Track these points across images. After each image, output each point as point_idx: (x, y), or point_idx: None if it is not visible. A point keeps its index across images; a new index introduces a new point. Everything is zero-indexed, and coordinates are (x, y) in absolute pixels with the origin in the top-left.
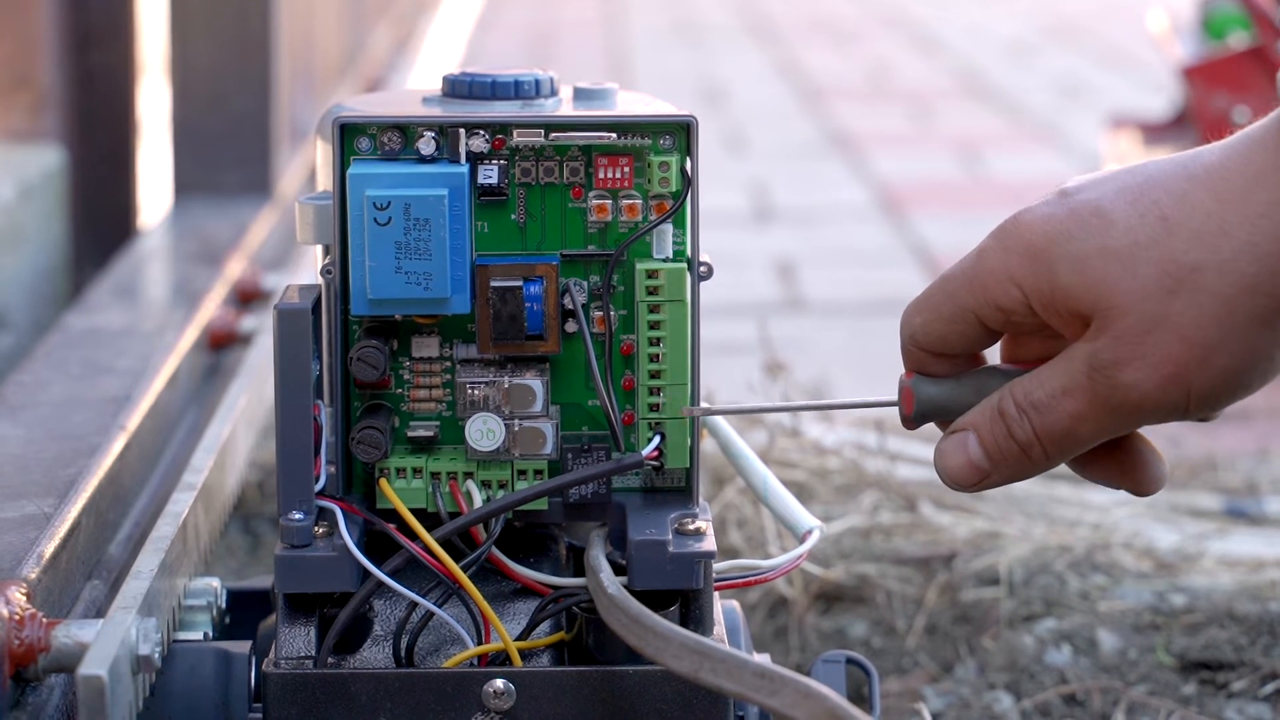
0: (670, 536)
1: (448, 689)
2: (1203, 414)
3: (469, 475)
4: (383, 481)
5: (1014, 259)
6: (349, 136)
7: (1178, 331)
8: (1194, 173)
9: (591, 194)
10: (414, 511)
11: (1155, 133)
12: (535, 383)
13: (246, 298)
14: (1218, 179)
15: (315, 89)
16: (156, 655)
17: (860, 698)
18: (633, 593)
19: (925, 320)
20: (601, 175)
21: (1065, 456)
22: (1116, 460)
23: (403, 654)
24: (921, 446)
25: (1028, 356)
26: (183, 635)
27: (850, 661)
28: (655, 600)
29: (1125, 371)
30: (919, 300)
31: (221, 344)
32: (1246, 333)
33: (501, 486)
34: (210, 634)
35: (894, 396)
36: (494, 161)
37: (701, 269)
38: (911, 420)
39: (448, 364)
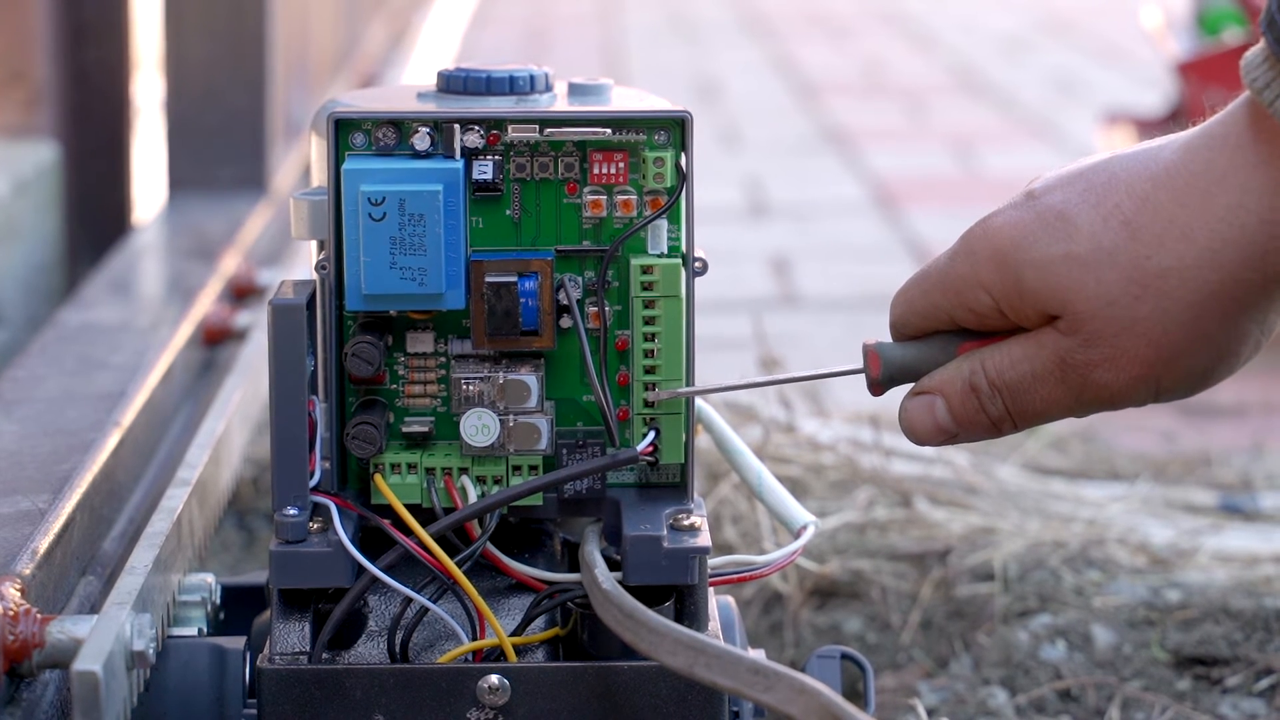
0: (665, 532)
1: (442, 685)
2: (1171, 400)
3: (464, 471)
4: (377, 477)
5: (982, 265)
6: (344, 132)
7: (1145, 336)
8: (1155, 173)
9: (586, 189)
10: (409, 507)
11: (1150, 128)
12: (530, 378)
13: (241, 293)
14: (1179, 180)
15: (310, 84)
16: (151, 651)
17: (855, 693)
18: (627, 588)
19: (903, 313)
20: (596, 171)
21: (1040, 425)
22: None
23: (397, 650)
24: None
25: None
26: (177, 631)
27: (845, 657)
28: (650, 596)
29: (1095, 372)
30: (901, 290)
31: (216, 339)
32: (1212, 334)
33: (496, 482)
34: (205, 629)
35: (859, 365)
36: (489, 157)
37: (696, 264)
38: (879, 385)
39: (442, 359)
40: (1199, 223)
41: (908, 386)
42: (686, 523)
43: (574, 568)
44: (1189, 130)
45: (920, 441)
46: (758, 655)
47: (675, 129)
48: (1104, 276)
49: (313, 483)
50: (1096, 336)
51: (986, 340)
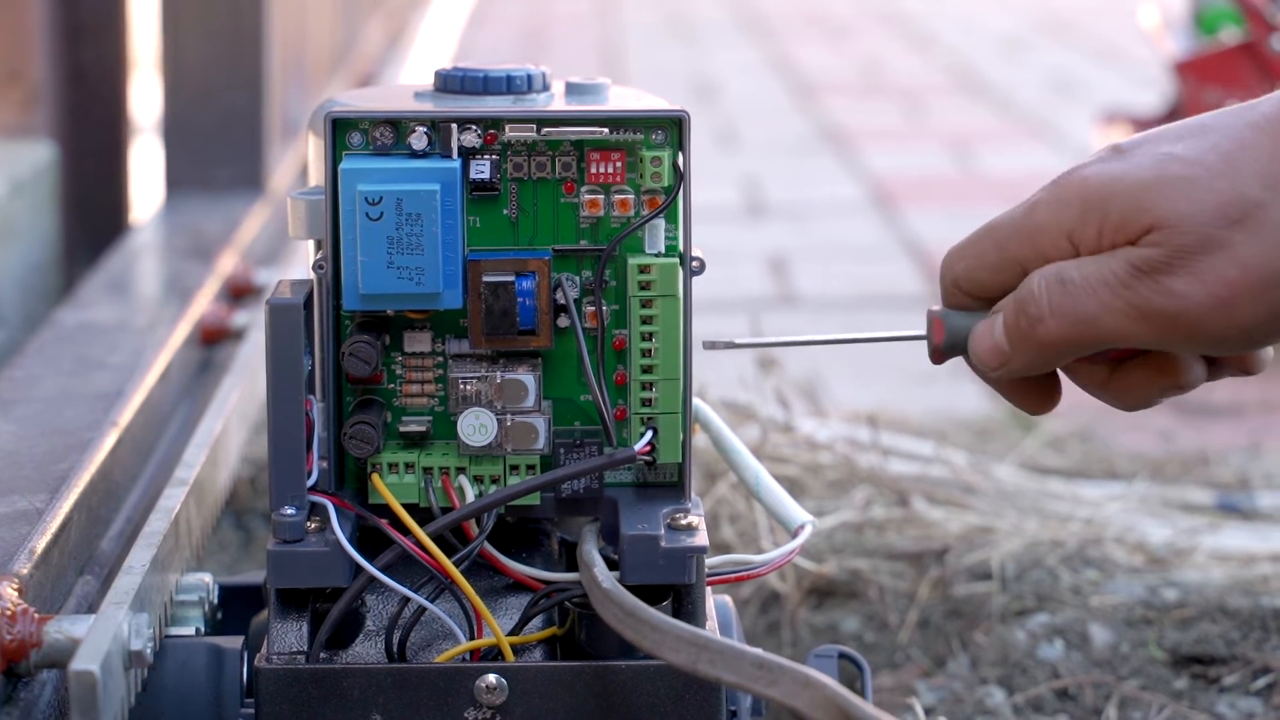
0: (663, 531)
1: (440, 684)
2: (1232, 351)
3: (461, 470)
4: (375, 476)
5: (1066, 211)
6: (341, 131)
7: (1237, 259)
8: (1253, 121)
9: (584, 189)
10: (406, 507)
11: (1147, 128)
12: (527, 378)
13: (238, 293)
14: (1279, 128)
15: (307, 84)
16: (148, 651)
17: (853, 692)
18: (625, 588)
19: (969, 267)
20: (593, 170)
21: (1074, 346)
22: (1153, 363)
23: (395, 649)
24: (915, 442)
25: None
26: (175, 630)
27: (843, 656)
28: (647, 595)
29: (1175, 280)
30: (964, 246)
31: (213, 339)
32: None
33: (494, 481)
34: (202, 629)
35: (922, 331)
36: (486, 156)
37: (693, 264)
38: (941, 352)
39: (440, 359)
40: None
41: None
42: (684, 522)
43: (571, 567)
44: None
45: (982, 365)
46: None
47: (672, 128)
48: (1201, 197)
49: (310, 482)
50: (1183, 250)
51: None
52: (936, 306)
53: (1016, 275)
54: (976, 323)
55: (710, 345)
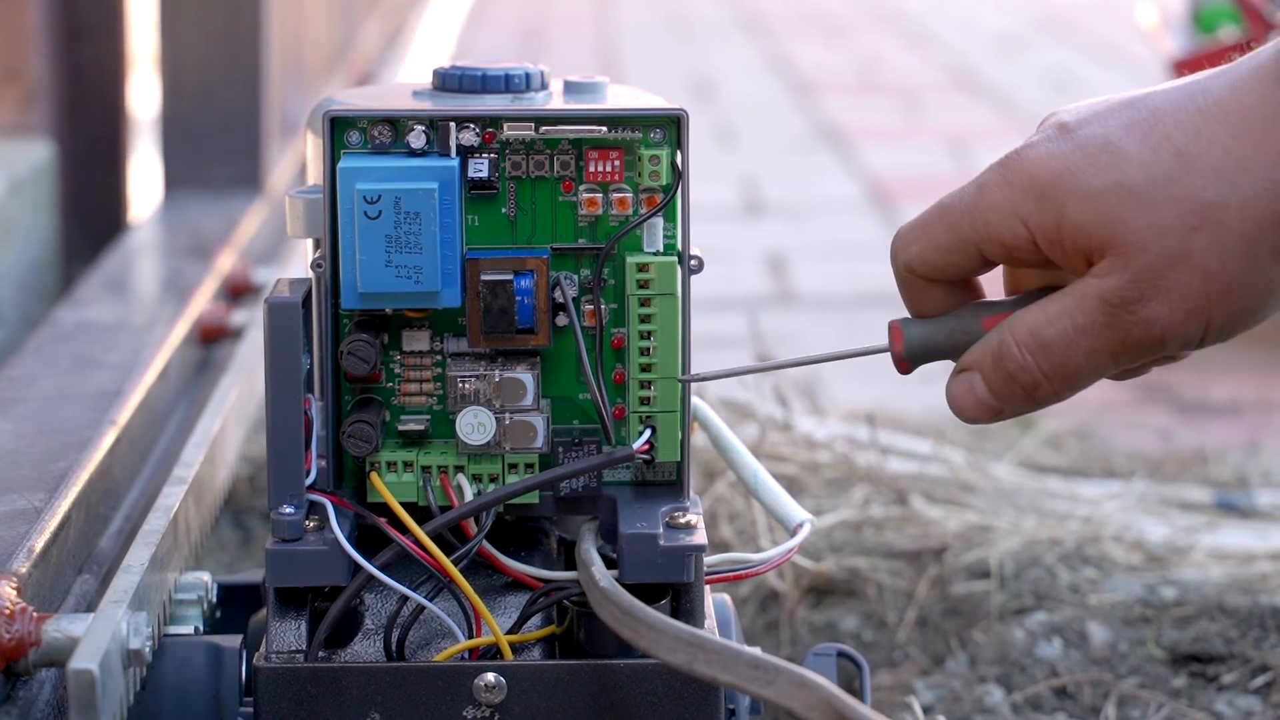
0: (661, 530)
1: (439, 683)
2: (1215, 342)
3: (460, 469)
4: (373, 475)
5: (1019, 196)
6: (339, 130)
7: (1200, 268)
8: (1205, 107)
9: (582, 187)
10: (405, 505)
11: None
12: (526, 376)
13: (237, 292)
14: (1232, 115)
15: (305, 83)
16: (147, 649)
17: (851, 691)
18: (623, 586)
19: (922, 250)
20: (592, 169)
21: (1078, 390)
22: None
23: (394, 648)
24: (913, 440)
25: (1028, 286)
26: (174, 629)
27: (841, 655)
28: (646, 594)
29: (1147, 307)
30: (915, 227)
31: (212, 338)
32: (1266, 267)
33: (492, 480)
34: (201, 628)
35: (884, 343)
36: (484, 155)
37: (692, 262)
38: (905, 361)
39: (438, 358)
40: (1257, 155)
41: (933, 363)
42: (682, 520)
43: (570, 565)
44: (1231, 66)
45: (968, 420)
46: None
47: (671, 127)
48: (1158, 207)
49: (309, 481)
50: (1147, 270)
51: (1011, 309)
52: (897, 317)
53: (971, 256)
54: (931, 330)
55: (685, 380)
